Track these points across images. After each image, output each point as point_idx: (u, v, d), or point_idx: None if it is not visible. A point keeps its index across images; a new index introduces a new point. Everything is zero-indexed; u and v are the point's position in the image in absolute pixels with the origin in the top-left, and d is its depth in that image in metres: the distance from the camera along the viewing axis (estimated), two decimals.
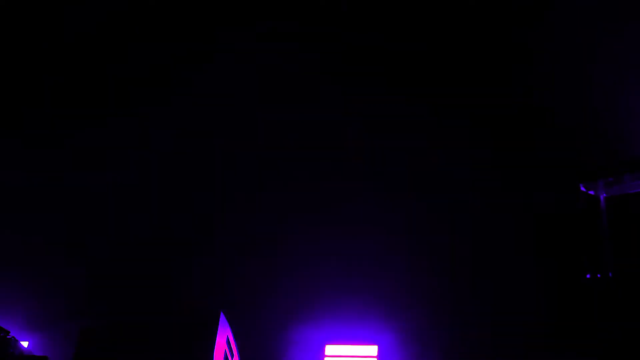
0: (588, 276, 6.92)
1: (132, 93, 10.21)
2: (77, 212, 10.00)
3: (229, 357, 7.33)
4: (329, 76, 9.26)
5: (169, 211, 10.01)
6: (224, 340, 7.23)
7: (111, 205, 10.11)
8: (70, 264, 9.76)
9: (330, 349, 8.35)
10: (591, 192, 6.99)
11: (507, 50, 8.21)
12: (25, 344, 8.98)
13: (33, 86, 10.11)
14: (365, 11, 9.23)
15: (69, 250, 9.84)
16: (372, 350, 8.17)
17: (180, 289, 9.20)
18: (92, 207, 10.04)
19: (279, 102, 9.56)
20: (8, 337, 7.61)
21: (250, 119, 9.73)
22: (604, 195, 6.98)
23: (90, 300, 9.53)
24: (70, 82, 10.16)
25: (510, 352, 7.23)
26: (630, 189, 6.83)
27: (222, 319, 7.27)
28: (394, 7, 8.99)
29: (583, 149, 7.48)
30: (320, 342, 8.43)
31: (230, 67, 9.91)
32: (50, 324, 9.37)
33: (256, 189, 9.50)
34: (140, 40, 10.08)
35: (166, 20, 9.99)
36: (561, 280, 7.27)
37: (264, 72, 9.67)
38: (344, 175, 8.96)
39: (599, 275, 6.83)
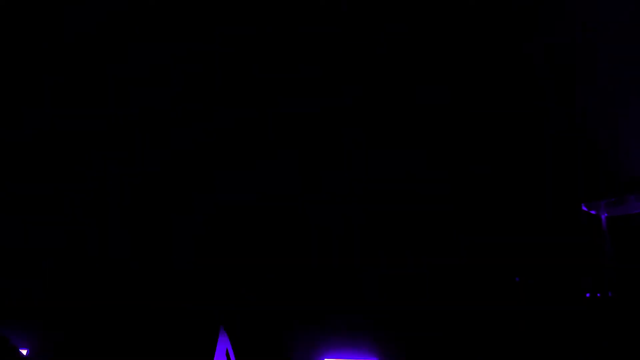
0: (588, 295, 6.92)
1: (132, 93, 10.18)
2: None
3: None
4: None
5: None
6: (223, 353, 7.29)
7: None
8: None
9: None
10: (593, 212, 6.97)
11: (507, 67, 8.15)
12: (24, 351, 9.04)
13: (33, 86, 10.05)
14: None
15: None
16: None
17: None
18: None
19: None
20: (8, 345, 7.62)
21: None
22: (606, 215, 6.97)
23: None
24: (71, 82, 10.10)
25: None
26: (633, 210, 6.81)
27: (222, 332, 7.32)
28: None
29: (585, 168, 7.43)
30: None
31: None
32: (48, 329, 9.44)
33: None
34: (140, 40, 9.99)
35: (166, 20, 9.89)
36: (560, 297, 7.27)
37: None
38: None
39: (598, 295, 6.84)
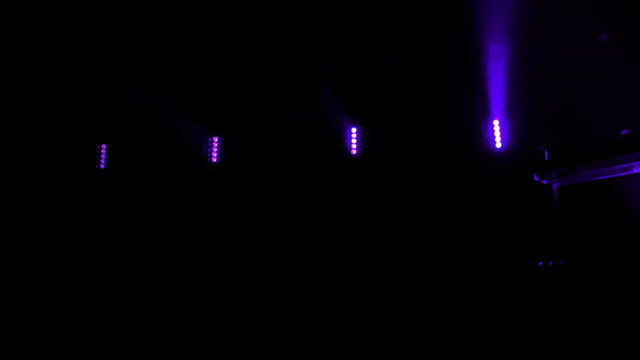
0: (540, 264, 7.09)
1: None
2: None
3: None
4: None
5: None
6: None
7: None
8: None
9: None
10: (544, 182, 7.13)
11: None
12: None
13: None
14: None
15: None
16: None
17: None
18: None
19: None
20: None
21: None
22: (557, 184, 7.13)
23: None
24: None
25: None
26: (582, 179, 6.97)
27: None
28: None
29: (537, 139, 7.57)
30: None
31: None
32: None
33: None
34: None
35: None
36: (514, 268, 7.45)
37: None
38: None
39: (550, 263, 7.00)
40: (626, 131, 6.32)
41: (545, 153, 7.01)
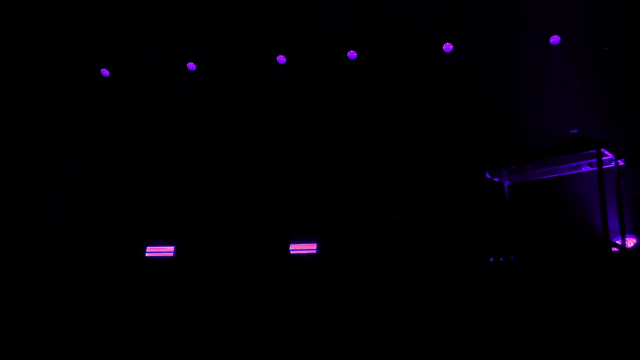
0: (491, 259, 7.23)
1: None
2: None
3: None
4: None
5: None
6: None
7: None
8: None
9: None
10: (496, 179, 7.31)
11: None
12: None
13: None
14: None
15: None
16: None
17: None
18: None
19: None
20: None
21: None
22: (508, 182, 7.33)
23: None
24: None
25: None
26: (531, 177, 7.18)
27: None
28: None
29: (489, 137, 7.78)
30: None
31: None
32: None
33: None
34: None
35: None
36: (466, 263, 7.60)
37: None
38: None
39: (501, 259, 7.15)
40: (575, 131, 6.52)
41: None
